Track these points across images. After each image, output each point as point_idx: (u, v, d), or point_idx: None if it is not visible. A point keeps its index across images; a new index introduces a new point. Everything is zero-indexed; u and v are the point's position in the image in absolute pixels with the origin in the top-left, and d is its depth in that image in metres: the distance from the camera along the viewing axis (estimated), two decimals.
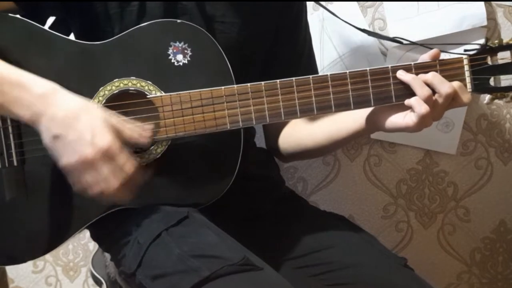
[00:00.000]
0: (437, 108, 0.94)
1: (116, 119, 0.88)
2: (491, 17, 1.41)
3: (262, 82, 0.95)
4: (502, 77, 0.96)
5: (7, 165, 0.94)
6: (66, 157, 0.85)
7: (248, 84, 0.95)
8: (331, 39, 1.47)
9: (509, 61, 0.96)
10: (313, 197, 1.55)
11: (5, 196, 0.94)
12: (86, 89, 0.94)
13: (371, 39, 1.45)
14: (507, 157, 1.52)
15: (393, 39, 1.07)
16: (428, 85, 0.94)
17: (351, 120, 1.05)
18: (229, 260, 0.85)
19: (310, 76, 0.95)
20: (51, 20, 1.07)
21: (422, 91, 0.93)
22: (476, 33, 1.41)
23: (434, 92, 0.94)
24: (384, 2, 1.43)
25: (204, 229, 0.93)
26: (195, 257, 0.86)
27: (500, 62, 0.96)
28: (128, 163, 0.87)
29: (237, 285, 0.83)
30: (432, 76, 0.94)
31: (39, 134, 0.89)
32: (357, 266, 0.99)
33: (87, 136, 0.85)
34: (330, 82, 0.95)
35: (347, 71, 0.95)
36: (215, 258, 0.86)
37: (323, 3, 1.33)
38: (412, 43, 1.10)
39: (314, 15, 1.45)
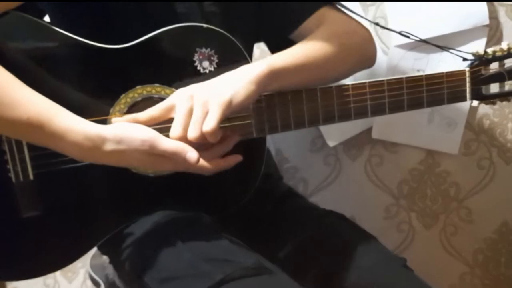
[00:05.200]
0: None
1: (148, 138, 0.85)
2: (493, 16, 1.41)
3: (288, 91, 0.94)
4: (492, 85, 1.04)
5: (21, 178, 0.90)
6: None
7: (275, 93, 0.94)
8: None
9: (497, 71, 1.04)
10: (313, 198, 1.54)
11: (20, 210, 0.91)
12: (106, 96, 0.91)
13: None
14: (509, 157, 1.51)
15: (400, 33, 1.11)
16: None
17: None
18: (241, 264, 0.84)
19: (333, 85, 0.96)
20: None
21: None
22: (478, 32, 1.40)
23: None
24: (384, 2, 1.43)
25: (214, 233, 0.92)
26: (207, 261, 0.85)
27: (491, 72, 1.04)
28: (204, 168, 0.88)
29: None
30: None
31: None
32: (356, 266, 0.99)
33: (145, 165, 0.88)
34: (351, 92, 0.97)
35: (367, 81, 0.98)
36: (228, 262, 0.85)
37: None
38: (422, 40, 1.13)
39: None
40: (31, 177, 0.90)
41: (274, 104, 0.94)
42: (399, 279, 0.97)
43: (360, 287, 0.96)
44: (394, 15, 1.43)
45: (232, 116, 0.91)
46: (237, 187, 0.98)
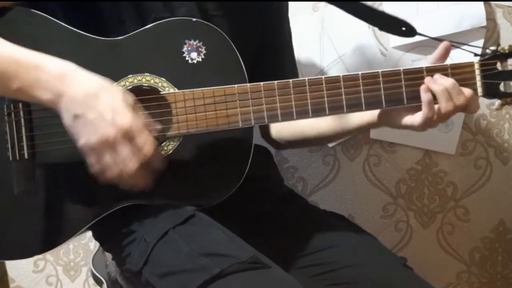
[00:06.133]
0: (446, 114, 0.96)
1: (133, 101, 0.89)
2: (490, 17, 1.42)
3: (275, 81, 0.96)
4: None
5: (18, 158, 0.94)
6: (86, 137, 0.85)
7: (261, 83, 0.96)
8: (331, 39, 1.47)
9: None
10: (313, 197, 1.55)
11: (14, 189, 0.94)
12: None
13: (371, 39, 1.45)
14: (506, 157, 1.52)
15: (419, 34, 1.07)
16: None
17: (359, 114, 1.06)
18: (238, 258, 0.85)
19: (323, 77, 0.96)
20: None
21: (446, 105, 0.95)
22: (476, 34, 1.41)
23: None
24: (384, 3, 1.44)
25: (211, 228, 0.93)
26: (205, 255, 0.87)
27: (510, 68, 0.96)
28: (147, 144, 0.87)
29: (247, 282, 0.84)
30: (452, 86, 0.95)
31: (51, 127, 0.91)
32: (357, 266, 1.00)
33: (107, 116, 0.85)
34: (342, 83, 0.96)
35: (359, 73, 0.96)
36: (225, 257, 0.86)
37: (322, 4, 1.34)
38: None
39: (314, 15, 1.45)
40: (26, 156, 0.94)
41: (261, 94, 0.96)
42: (400, 278, 0.98)
43: (361, 287, 0.98)
44: None
45: (218, 102, 0.95)
46: (222, 181, 0.99)
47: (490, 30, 1.43)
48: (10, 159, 0.94)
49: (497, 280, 1.61)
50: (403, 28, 1.11)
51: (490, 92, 0.96)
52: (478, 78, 0.96)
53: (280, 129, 1.19)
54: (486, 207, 1.56)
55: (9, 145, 0.94)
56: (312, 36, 1.47)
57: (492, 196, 1.55)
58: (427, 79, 0.96)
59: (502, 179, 1.53)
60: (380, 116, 1.04)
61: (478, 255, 1.59)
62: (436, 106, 0.96)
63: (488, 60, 0.96)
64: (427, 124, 0.97)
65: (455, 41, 1.35)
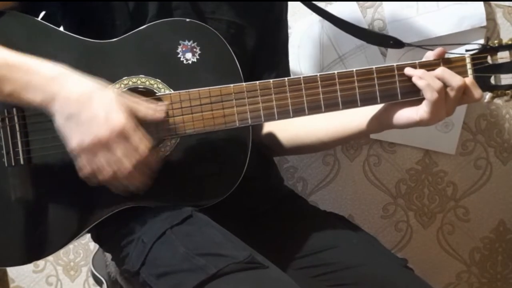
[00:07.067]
0: (449, 100, 0.96)
1: (129, 98, 0.89)
2: (490, 17, 1.42)
3: (271, 80, 0.96)
4: (502, 76, 0.99)
5: (13, 164, 0.94)
6: (80, 137, 0.85)
7: (257, 82, 0.96)
8: (331, 39, 1.47)
9: (508, 60, 0.98)
10: (312, 197, 1.55)
11: (11, 195, 0.94)
12: None
13: None
14: (506, 157, 1.52)
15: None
16: (438, 79, 0.95)
17: (357, 119, 1.06)
18: (235, 258, 0.85)
19: (318, 74, 0.96)
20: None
21: (434, 83, 0.94)
22: (476, 34, 1.41)
23: (445, 86, 0.95)
24: (384, 3, 1.44)
25: (209, 228, 0.93)
26: (201, 255, 0.87)
27: (500, 61, 0.99)
28: (142, 144, 0.86)
29: (243, 283, 0.83)
30: (442, 71, 0.96)
31: (46, 132, 0.90)
32: (358, 267, 1.00)
33: (101, 116, 0.84)
34: (337, 80, 0.96)
35: (354, 69, 0.97)
36: (221, 256, 0.86)
37: (321, 3, 1.34)
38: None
39: (314, 15, 1.45)
40: (22, 162, 0.94)
41: (257, 93, 0.96)
42: (400, 279, 0.98)
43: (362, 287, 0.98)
44: (392, 16, 1.44)
45: (215, 102, 0.95)
46: (220, 181, 1.00)
47: (490, 30, 1.43)
48: (6, 165, 0.94)
49: (497, 280, 1.61)
50: (391, 42, 1.12)
51: (482, 85, 0.98)
52: (470, 72, 0.98)
53: (276, 136, 1.18)
54: (486, 207, 1.56)
55: (4, 151, 0.94)
56: (312, 36, 1.47)
57: (492, 196, 1.55)
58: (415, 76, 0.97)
59: (502, 179, 1.53)
60: (376, 122, 1.04)
61: (478, 255, 1.59)
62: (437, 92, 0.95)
63: (479, 54, 0.98)
64: (437, 113, 0.96)
65: (455, 42, 1.37)
